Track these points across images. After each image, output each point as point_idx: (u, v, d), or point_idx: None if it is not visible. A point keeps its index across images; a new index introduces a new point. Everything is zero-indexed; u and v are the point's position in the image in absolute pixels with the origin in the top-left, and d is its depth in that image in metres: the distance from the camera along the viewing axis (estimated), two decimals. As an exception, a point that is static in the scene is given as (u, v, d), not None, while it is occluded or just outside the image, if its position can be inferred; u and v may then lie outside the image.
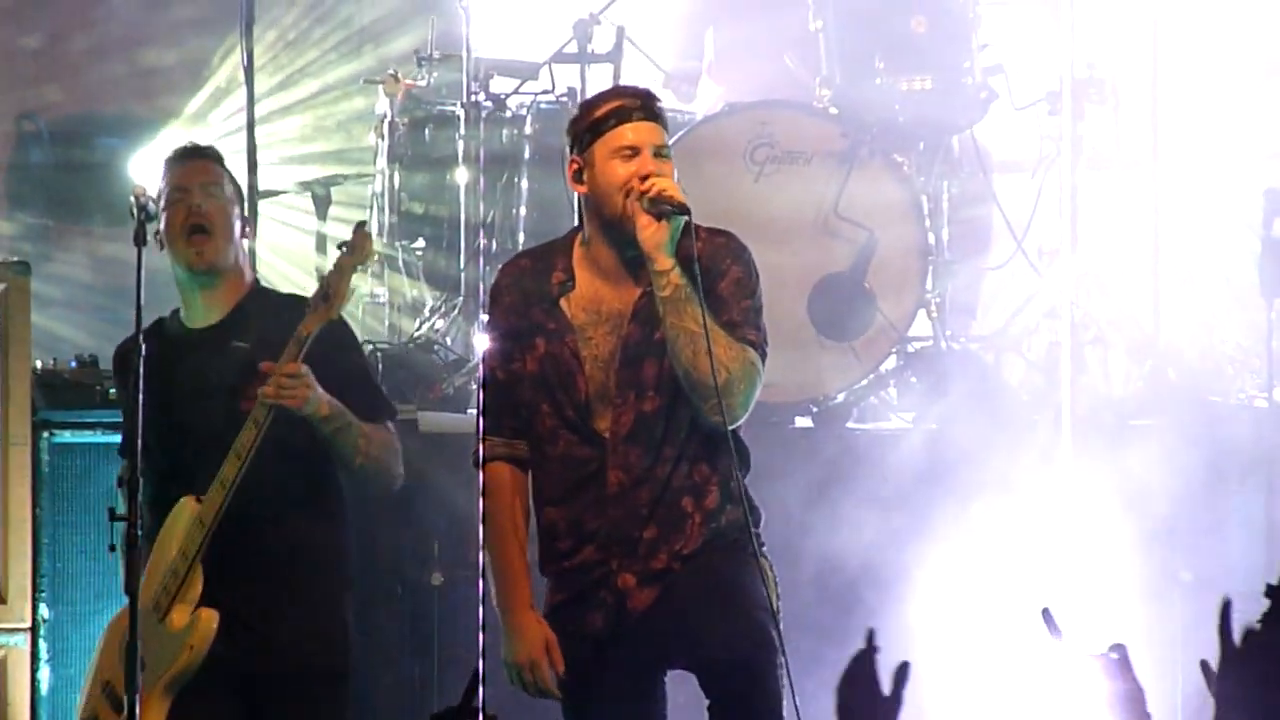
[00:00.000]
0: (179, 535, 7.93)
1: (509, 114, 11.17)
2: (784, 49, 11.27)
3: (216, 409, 8.27)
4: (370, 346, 10.60)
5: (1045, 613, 4.88)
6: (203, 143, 8.84)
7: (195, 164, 8.46)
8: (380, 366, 10.54)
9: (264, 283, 8.88)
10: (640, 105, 7.06)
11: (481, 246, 11.09)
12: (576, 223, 7.42)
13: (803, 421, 10.46)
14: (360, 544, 9.34)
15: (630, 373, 7.06)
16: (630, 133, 6.92)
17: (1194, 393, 10.88)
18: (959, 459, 10.03)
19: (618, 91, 7.52)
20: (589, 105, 7.37)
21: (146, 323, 7.94)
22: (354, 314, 11.38)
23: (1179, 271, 11.69)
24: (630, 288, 7.02)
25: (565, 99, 11.03)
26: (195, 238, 8.25)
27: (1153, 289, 11.44)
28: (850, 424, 10.58)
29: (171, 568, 7.85)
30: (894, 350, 10.55)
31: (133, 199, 7.51)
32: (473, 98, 11.25)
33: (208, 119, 12.63)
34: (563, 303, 7.04)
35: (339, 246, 7.81)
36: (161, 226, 8.26)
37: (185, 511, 7.88)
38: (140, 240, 7.45)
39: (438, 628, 9.47)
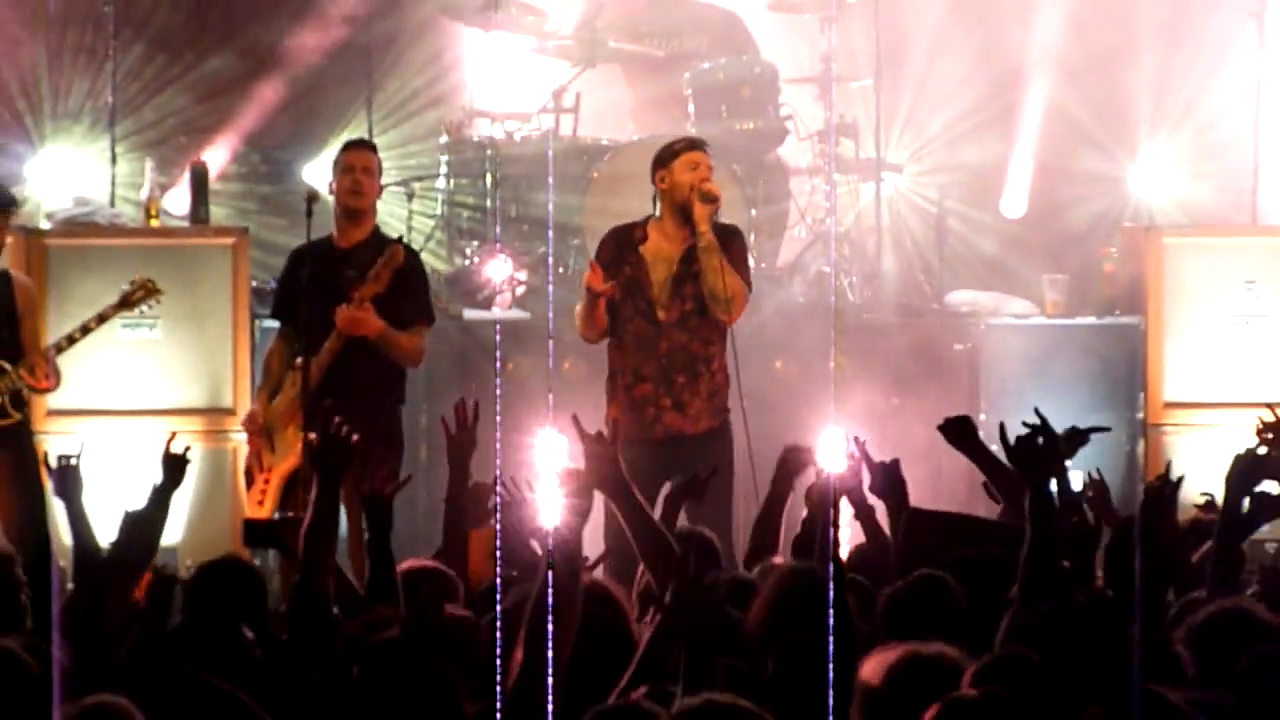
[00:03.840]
0: (297, 379, 10.65)
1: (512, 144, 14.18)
2: (670, 105, 14.54)
3: (340, 299, 10.80)
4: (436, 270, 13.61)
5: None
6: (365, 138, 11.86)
7: (359, 151, 11.38)
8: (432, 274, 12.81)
9: (380, 227, 11.59)
10: (703, 146, 10.55)
11: (497, 232, 13.93)
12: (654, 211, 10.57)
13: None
14: (425, 400, 12.37)
15: (678, 287, 10.35)
16: (699, 157, 10.34)
17: (899, 301, 14.46)
18: (770, 337, 13.27)
19: (691, 139, 10.88)
20: (675, 142, 10.80)
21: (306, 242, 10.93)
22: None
23: (890, 230, 15.15)
24: (681, 242, 10.37)
25: (548, 135, 14.17)
26: (348, 206, 11.06)
27: (876, 240, 14.81)
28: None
29: (292, 397, 10.64)
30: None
31: (306, 195, 10.98)
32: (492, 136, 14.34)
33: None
34: (640, 248, 10.40)
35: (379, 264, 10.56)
36: (333, 184, 11.17)
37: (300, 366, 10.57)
38: (309, 213, 10.62)
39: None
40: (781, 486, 8.33)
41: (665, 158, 10.59)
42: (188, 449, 7.47)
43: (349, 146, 11.36)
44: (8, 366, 10.93)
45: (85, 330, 10.98)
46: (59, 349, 11.05)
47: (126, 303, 11.15)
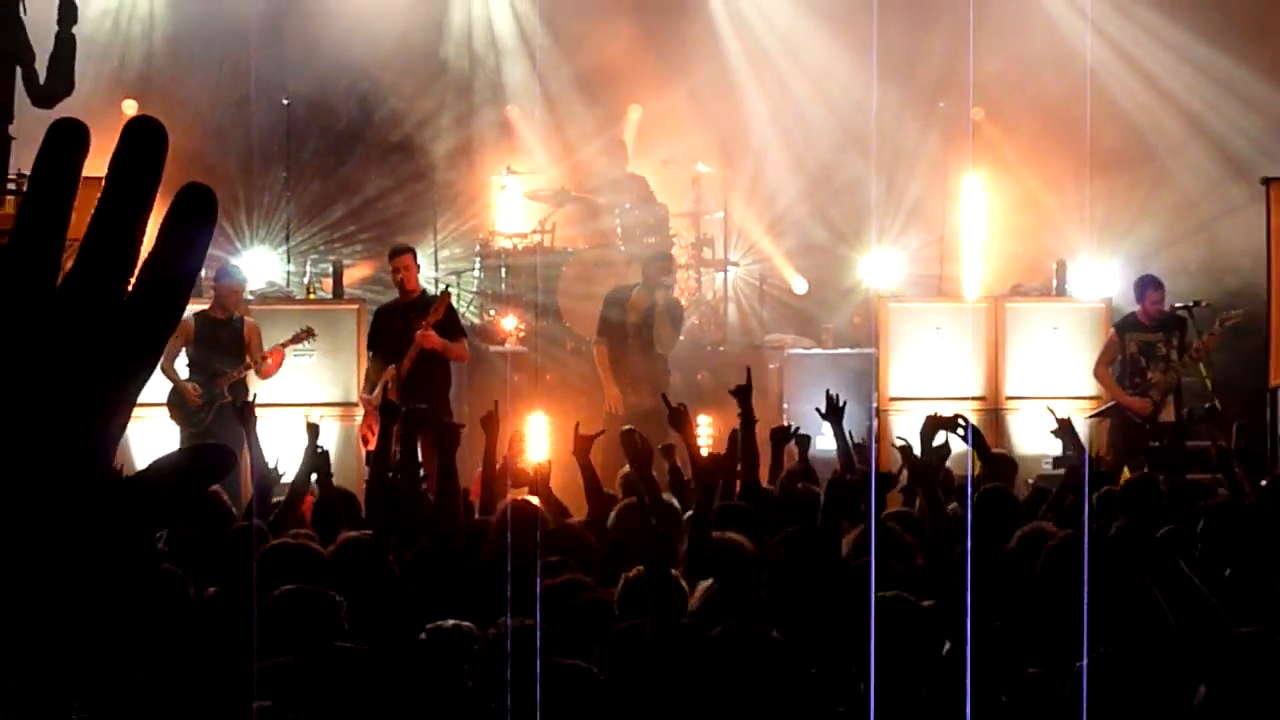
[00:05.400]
0: (389, 377, 10.65)
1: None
2: (606, 231, 14.48)
3: (408, 333, 10.67)
4: (470, 320, 13.81)
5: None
6: (410, 244, 11.48)
7: (398, 256, 11.17)
8: (470, 324, 13.31)
9: (425, 289, 11.48)
10: (670, 258, 11.75)
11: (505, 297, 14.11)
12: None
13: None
14: (467, 400, 11.86)
15: (649, 326, 11.28)
16: (670, 264, 11.57)
17: (737, 340, 14.66)
18: (681, 351, 12.83)
19: (668, 254, 11.93)
20: (659, 255, 11.86)
21: (385, 301, 11.26)
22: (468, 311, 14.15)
23: (733, 298, 15.17)
24: (647, 302, 11.25)
25: (536, 247, 14.17)
26: (402, 286, 10.96)
27: (724, 304, 14.98)
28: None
29: (387, 387, 10.51)
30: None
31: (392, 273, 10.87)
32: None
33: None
34: (629, 302, 11.28)
35: (431, 306, 10.53)
36: (390, 275, 11.20)
37: (390, 370, 10.71)
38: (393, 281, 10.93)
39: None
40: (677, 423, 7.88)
41: (655, 261, 11.88)
42: (319, 419, 8.12)
43: (391, 254, 11.42)
44: (226, 370, 11.00)
45: (266, 356, 11.14)
46: (257, 364, 11.10)
47: (296, 339, 11.30)
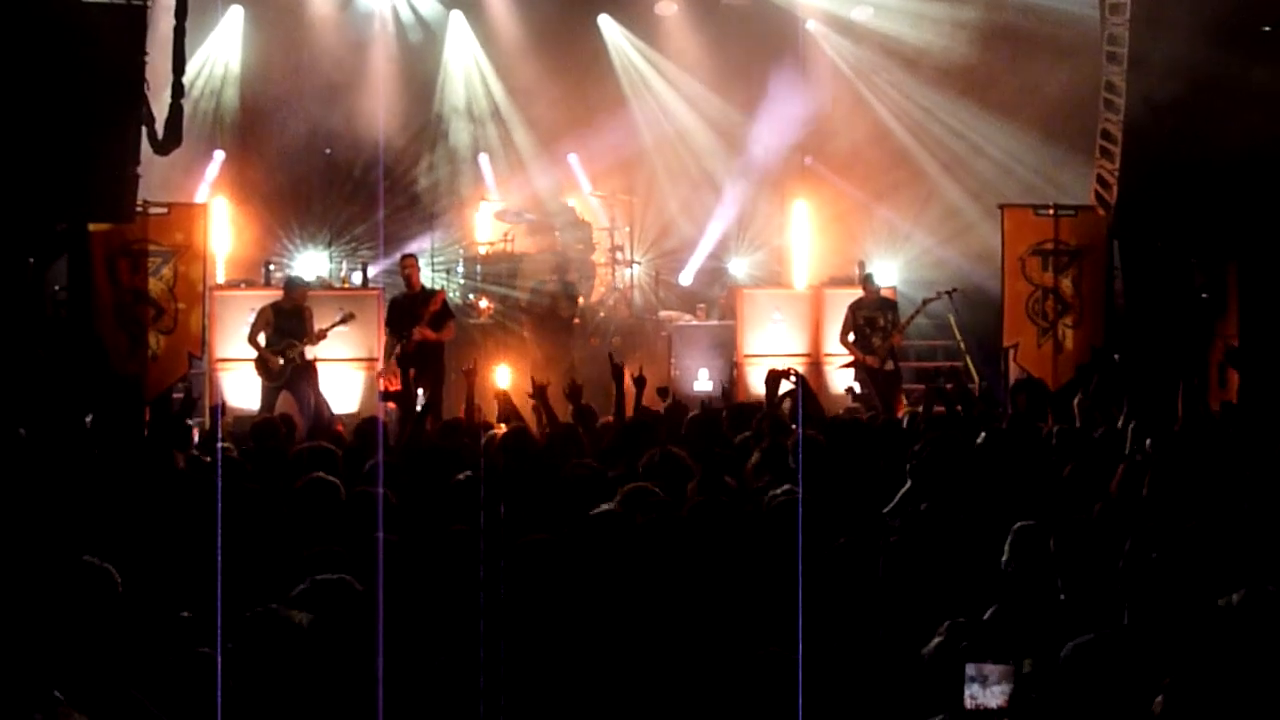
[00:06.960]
0: (400, 347, 10.80)
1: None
2: (551, 243, 14.31)
3: (415, 317, 10.84)
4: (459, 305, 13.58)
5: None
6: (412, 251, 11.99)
7: (406, 260, 11.22)
8: (456, 305, 13.01)
9: (425, 284, 11.49)
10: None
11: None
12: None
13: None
14: (455, 359, 11.47)
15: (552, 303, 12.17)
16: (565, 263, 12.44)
17: (641, 315, 14.38)
18: (590, 329, 13.33)
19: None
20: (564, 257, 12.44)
21: (397, 293, 11.20)
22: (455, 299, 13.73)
23: (637, 286, 14.73)
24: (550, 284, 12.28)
25: (502, 253, 14.19)
26: (408, 281, 10.92)
27: (629, 290, 14.57)
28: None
29: (397, 356, 10.76)
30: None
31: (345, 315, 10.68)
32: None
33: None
34: None
35: (429, 321, 10.59)
36: (400, 273, 11.06)
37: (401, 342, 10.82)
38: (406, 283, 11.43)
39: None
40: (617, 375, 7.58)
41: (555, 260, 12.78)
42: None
43: (401, 258, 11.47)
44: (297, 342, 10.83)
45: (324, 335, 11.02)
46: (321, 335, 10.90)
47: (344, 320, 11.09)
